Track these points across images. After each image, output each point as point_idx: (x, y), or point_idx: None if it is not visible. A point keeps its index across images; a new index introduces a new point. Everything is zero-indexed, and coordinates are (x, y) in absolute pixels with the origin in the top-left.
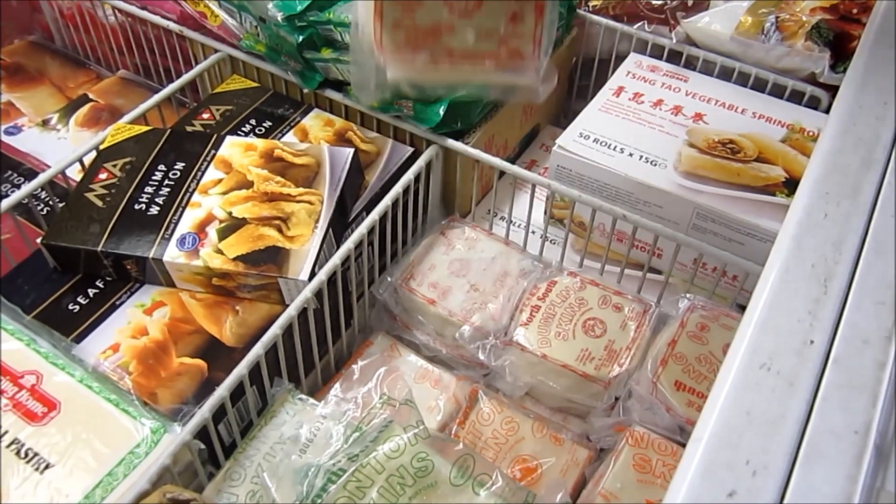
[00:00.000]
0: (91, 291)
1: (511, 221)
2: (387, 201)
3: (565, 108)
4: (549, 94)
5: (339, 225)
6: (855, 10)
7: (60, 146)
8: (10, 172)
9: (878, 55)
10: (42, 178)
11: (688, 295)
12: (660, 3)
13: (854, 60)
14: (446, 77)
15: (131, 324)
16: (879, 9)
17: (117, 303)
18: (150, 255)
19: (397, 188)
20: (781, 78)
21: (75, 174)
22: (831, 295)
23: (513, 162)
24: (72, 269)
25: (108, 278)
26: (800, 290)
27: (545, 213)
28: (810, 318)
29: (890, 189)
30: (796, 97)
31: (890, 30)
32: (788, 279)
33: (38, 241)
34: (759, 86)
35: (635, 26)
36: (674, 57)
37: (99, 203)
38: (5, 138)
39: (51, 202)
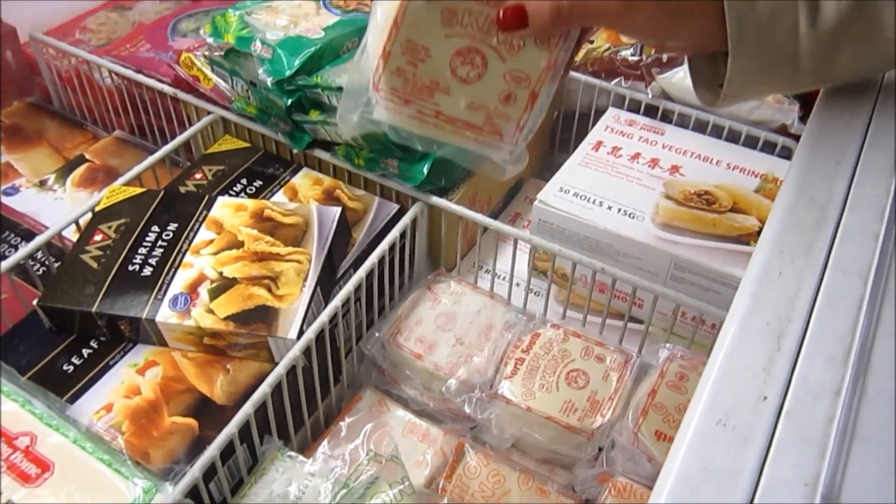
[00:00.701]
0: (85, 352)
1: (496, 274)
2: (373, 259)
3: (548, 160)
4: (513, 175)
5: (327, 282)
6: None
7: (57, 206)
8: (7, 233)
9: (830, 116)
10: (39, 240)
11: (667, 345)
12: (636, 59)
13: (810, 121)
14: (426, 132)
15: (124, 384)
16: None
17: (111, 363)
18: (144, 316)
19: (383, 245)
20: (754, 129)
21: (71, 233)
22: (785, 351)
23: (497, 215)
24: (67, 329)
25: (102, 338)
26: (755, 347)
27: (528, 265)
28: (764, 374)
29: (841, 247)
30: (769, 148)
31: (842, 90)
32: (744, 336)
33: (35, 302)
34: (733, 137)
35: (613, 82)
36: (650, 111)
37: (94, 265)
38: (3, 199)
39: (46, 262)
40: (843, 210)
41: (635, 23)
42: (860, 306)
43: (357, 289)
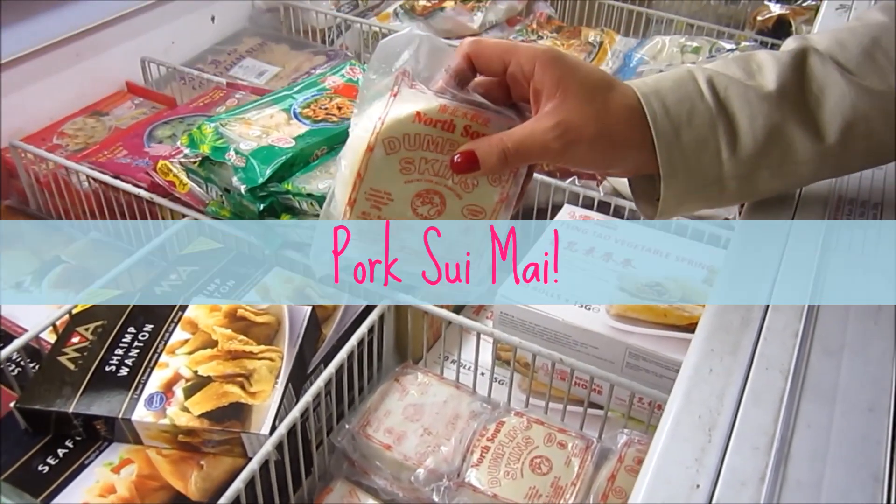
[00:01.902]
0: (61, 452)
1: (461, 365)
2: (342, 354)
3: None
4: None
5: (299, 378)
6: None
7: (33, 308)
8: None
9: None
10: (17, 343)
11: (625, 430)
12: None
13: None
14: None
15: (99, 483)
16: None
17: (86, 462)
18: (120, 416)
19: (352, 341)
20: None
21: (47, 334)
22: (715, 442)
23: (462, 307)
24: (43, 430)
25: (77, 438)
26: (688, 440)
27: (492, 355)
28: (697, 464)
29: (764, 345)
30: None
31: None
32: (678, 431)
33: (12, 405)
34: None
35: (567, 181)
36: (603, 206)
37: (71, 366)
38: None
39: (22, 363)
40: (766, 310)
41: (576, 159)
42: (781, 399)
43: (327, 384)
